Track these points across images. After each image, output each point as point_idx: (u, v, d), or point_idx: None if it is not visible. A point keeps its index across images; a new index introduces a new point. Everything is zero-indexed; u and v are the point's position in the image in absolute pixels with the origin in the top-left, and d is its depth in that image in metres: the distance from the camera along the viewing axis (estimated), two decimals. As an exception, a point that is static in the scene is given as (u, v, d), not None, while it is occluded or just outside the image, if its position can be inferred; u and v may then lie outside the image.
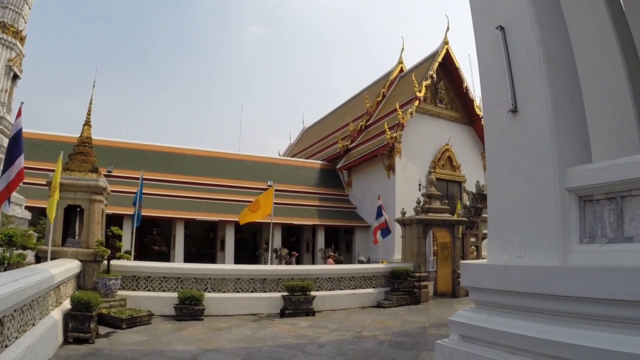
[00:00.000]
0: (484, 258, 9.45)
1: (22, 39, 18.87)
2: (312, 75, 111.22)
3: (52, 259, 9.41)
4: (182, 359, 6.93)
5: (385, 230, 16.93)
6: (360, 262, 18.79)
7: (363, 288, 13.84)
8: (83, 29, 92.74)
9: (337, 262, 19.82)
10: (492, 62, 5.29)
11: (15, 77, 18.87)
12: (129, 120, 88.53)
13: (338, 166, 31.80)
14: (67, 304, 8.09)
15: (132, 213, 22.16)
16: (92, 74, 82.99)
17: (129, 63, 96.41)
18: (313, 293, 12.03)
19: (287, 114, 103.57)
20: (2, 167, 8.49)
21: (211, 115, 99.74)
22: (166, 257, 25.04)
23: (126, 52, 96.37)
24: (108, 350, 7.18)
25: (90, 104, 12.25)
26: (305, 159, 35.94)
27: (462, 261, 10.14)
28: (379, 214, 17.18)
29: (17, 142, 8.24)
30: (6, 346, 4.56)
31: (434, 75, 27.94)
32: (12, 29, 18.27)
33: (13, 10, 18.55)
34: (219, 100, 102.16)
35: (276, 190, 15.69)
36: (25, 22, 19.20)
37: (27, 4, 19.11)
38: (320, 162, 33.38)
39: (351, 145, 31.05)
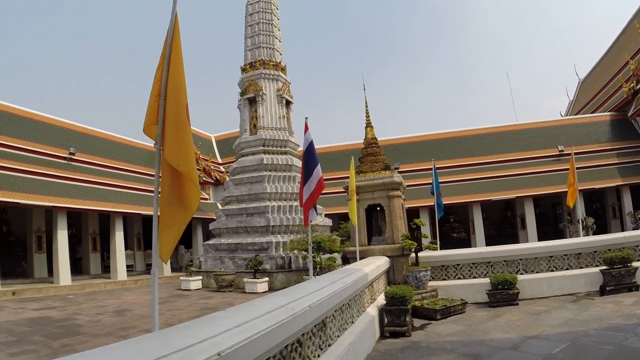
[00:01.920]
0: None
1: (282, 69, 21.86)
2: (566, 17, 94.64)
3: (360, 258, 10.03)
4: (503, 348, 6.31)
5: None
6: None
7: None
8: (332, 43, 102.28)
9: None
10: None
11: (288, 103, 21.91)
12: (387, 115, 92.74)
13: (629, 113, 26.42)
14: (380, 300, 8.31)
15: (426, 205, 22.98)
16: (340, 86, 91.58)
17: (378, 61, 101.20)
18: (635, 264, 9.83)
19: (557, 69, 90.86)
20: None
21: (475, 93, 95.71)
22: (466, 243, 24.72)
23: (376, 52, 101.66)
24: (426, 343, 7.04)
25: (366, 106, 12.87)
26: (591, 113, 30.58)
27: None
28: None
29: (310, 155, 9.12)
30: (329, 345, 4.75)
31: None
32: (271, 63, 21.39)
33: (267, 48, 21.78)
34: (479, 76, 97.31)
35: (566, 154, 13.60)
36: (280, 54, 22.24)
37: (276, 38, 22.15)
38: (608, 113, 28.32)
39: (638, 87, 25.21)
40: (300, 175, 20.38)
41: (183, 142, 3.59)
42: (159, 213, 3.61)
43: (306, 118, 9.55)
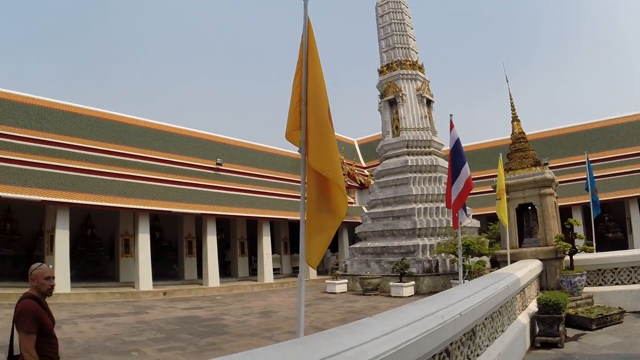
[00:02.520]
0: None
1: (420, 68, 21.17)
2: None
3: (511, 261, 9.31)
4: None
5: None
6: None
7: None
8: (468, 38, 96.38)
9: None
10: None
11: (429, 102, 21.14)
12: (532, 108, 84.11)
13: None
14: (532, 307, 7.78)
15: (579, 202, 20.61)
16: (481, 80, 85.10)
17: (520, 51, 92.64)
18: None
19: None
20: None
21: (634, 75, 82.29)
22: (622, 243, 21.63)
23: (517, 40, 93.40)
24: (579, 356, 6.43)
25: (511, 99, 11.97)
26: None
27: None
28: None
29: (457, 153, 8.63)
30: (477, 355, 4.46)
31: None
32: (407, 62, 20.83)
33: (402, 48, 21.27)
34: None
35: None
36: (416, 53, 21.59)
37: (410, 37, 21.59)
38: None
39: None
40: (445, 175, 19.67)
41: (327, 147, 3.56)
42: (306, 219, 3.62)
43: (451, 115, 9.10)
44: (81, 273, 18.99)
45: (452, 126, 8.97)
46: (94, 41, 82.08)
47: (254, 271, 23.73)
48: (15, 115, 18.36)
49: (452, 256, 16.60)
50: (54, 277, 3.52)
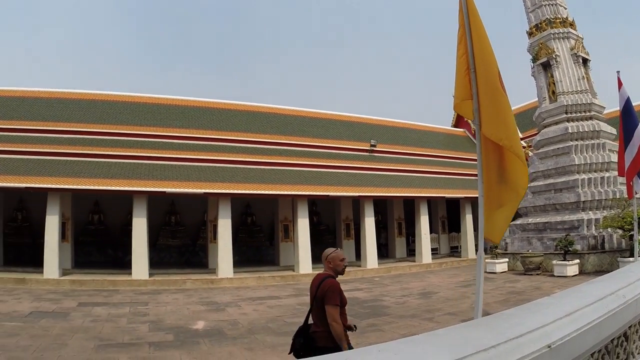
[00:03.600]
0: None
1: (571, 25, 18.90)
2: None
3: None
4: None
5: None
6: None
7: None
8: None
9: None
10: None
11: (585, 61, 18.85)
12: None
13: None
14: None
15: None
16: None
17: None
18: None
19: None
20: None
21: None
22: None
23: None
24: None
25: None
26: None
27: None
28: None
29: (628, 113, 7.81)
30: None
31: None
32: (557, 20, 18.66)
33: (549, 5, 19.03)
34: None
35: None
36: (565, 8, 19.24)
37: None
38: None
39: None
40: (610, 142, 17.69)
41: (501, 115, 3.39)
42: (484, 193, 3.49)
43: (618, 72, 8.27)
44: (243, 258, 20.59)
45: (620, 84, 8.14)
46: (241, 36, 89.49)
47: (411, 252, 23.74)
48: (171, 117, 20.99)
49: (620, 231, 15.07)
50: (344, 259, 4.27)
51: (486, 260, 18.56)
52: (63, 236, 17.30)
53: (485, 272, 17.57)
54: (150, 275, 16.71)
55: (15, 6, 77.81)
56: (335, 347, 3.91)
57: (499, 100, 3.42)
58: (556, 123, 19.12)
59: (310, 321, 4.26)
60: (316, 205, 24.19)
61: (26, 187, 15.94)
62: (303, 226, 18.86)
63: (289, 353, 4.30)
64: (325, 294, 3.96)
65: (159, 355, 7.22)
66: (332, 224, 24.51)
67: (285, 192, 18.79)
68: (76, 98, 21.12)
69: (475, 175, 22.74)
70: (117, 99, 21.79)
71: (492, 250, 18.77)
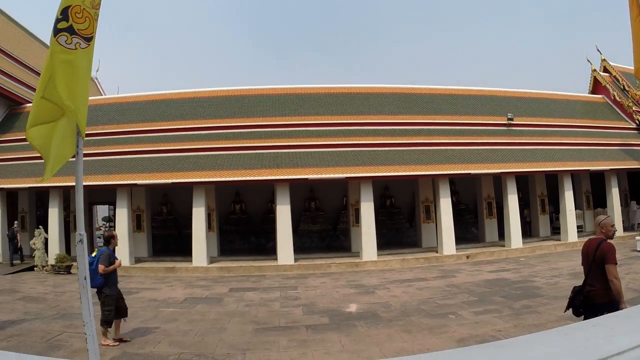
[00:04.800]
0: None
1: None
2: None
3: None
4: None
5: None
6: None
7: None
8: None
9: None
10: None
11: None
12: None
13: None
14: None
15: None
16: None
17: None
18: None
19: None
20: None
21: None
22: None
23: None
24: None
25: None
26: None
27: None
28: None
29: None
30: None
31: None
32: None
33: None
34: None
35: None
36: None
37: None
38: None
39: None
40: None
41: None
42: None
43: None
44: (383, 241, 20.42)
45: None
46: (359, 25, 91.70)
47: (555, 230, 22.32)
48: (308, 106, 21.44)
49: None
50: (614, 225, 4.84)
51: (636, 237, 17.06)
52: (209, 226, 18.37)
53: (636, 250, 16.14)
54: (295, 260, 17.21)
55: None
56: (610, 303, 4.30)
57: None
58: None
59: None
60: (455, 185, 23.32)
61: (172, 183, 17.22)
62: (446, 206, 18.38)
63: (565, 311, 4.97)
64: (605, 255, 4.49)
65: (318, 338, 7.36)
66: (472, 203, 23.77)
67: (426, 172, 18.43)
68: (215, 96, 22.32)
69: (622, 145, 20.16)
70: (251, 93, 22.58)
71: (639, 226, 16.92)
